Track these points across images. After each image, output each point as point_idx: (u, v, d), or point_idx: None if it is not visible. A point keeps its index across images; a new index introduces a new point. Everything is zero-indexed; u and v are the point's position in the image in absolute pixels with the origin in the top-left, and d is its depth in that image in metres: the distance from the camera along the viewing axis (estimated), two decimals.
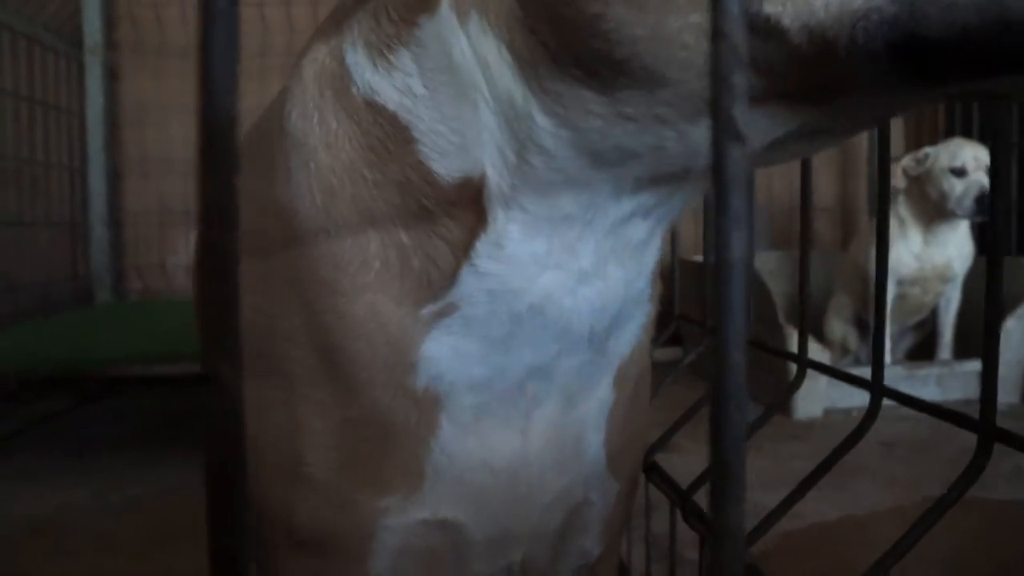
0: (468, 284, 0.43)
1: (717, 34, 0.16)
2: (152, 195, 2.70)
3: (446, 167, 0.41)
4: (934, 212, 2.30)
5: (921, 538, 0.45)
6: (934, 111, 3.04)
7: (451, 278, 0.43)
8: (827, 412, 2.07)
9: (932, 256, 2.33)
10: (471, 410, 0.46)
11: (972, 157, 2.25)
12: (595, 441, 0.52)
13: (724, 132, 0.16)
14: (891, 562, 0.45)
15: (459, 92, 0.40)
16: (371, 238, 0.43)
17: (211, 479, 0.17)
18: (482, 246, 0.42)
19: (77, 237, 2.60)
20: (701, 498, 0.73)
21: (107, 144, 2.63)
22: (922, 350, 2.51)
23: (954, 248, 2.34)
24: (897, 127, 3.20)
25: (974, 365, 2.17)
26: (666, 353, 2.53)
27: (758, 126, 0.36)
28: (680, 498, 0.69)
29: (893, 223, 2.35)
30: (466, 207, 0.42)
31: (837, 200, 3.18)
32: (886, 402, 0.56)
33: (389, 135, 0.42)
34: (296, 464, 0.47)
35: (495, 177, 0.41)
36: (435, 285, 0.43)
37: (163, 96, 2.65)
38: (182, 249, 2.72)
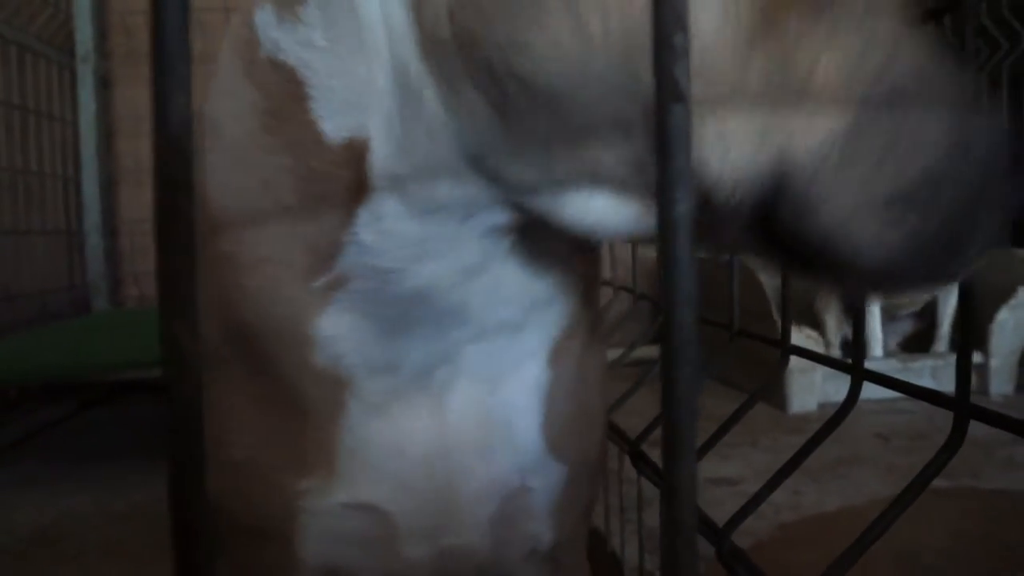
0: (352, 256, 0.42)
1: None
2: (147, 203, 2.69)
3: (335, 125, 0.40)
4: None
5: (900, 515, 0.46)
6: None
7: (337, 247, 0.42)
8: (822, 406, 2.07)
9: None
10: (379, 393, 0.46)
11: None
12: (529, 425, 0.51)
13: (666, 91, 0.16)
14: (871, 539, 0.45)
15: (358, 47, 0.39)
16: (267, 207, 0.43)
17: (174, 448, 0.17)
18: (363, 215, 0.41)
19: (73, 246, 2.60)
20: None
21: (100, 152, 2.63)
22: (919, 342, 2.51)
23: None
24: None
25: None
26: (653, 350, 2.53)
27: (627, 215, 0.36)
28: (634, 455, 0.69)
29: None
30: (351, 171, 0.40)
31: None
32: (882, 394, 0.56)
33: (287, 93, 0.41)
34: (220, 446, 0.47)
35: (379, 145, 0.40)
36: (323, 254, 0.42)
37: None
38: None
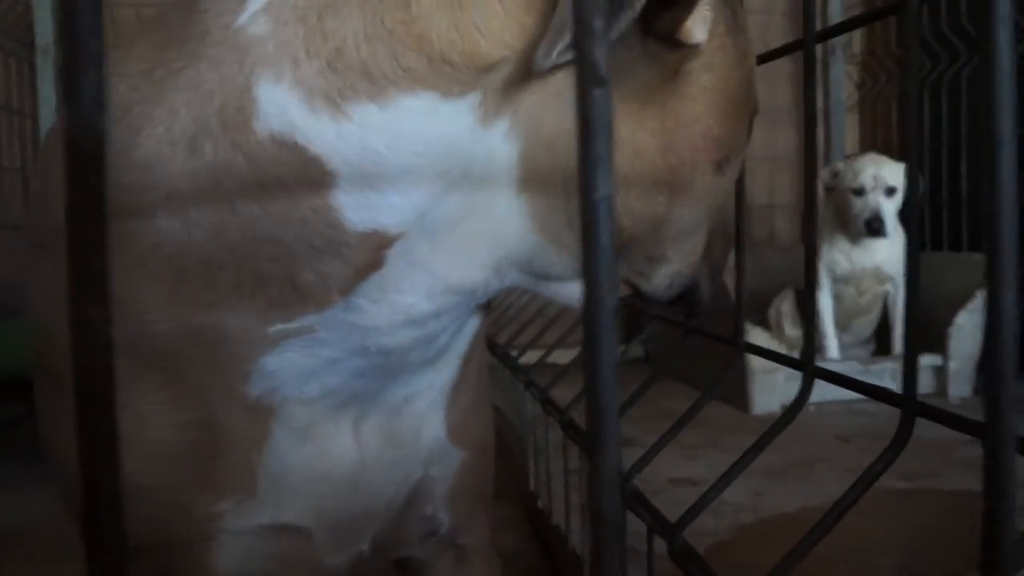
0: (335, 316, 0.44)
1: None
2: None
3: (363, 218, 0.42)
4: (845, 225, 2.37)
5: (846, 512, 0.46)
6: (888, 110, 3.09)
7: (317, 307, 0.44)
8: (784, 407, 2.09)
9: (861, 259, 2.38)
10: (302, 420, 0.48)
11: (872, 176, 2.31)
12: (434, 423, 0.55)
13: (587, 76, 0.16)
14: (817, 536, 0.46)
15: (428, 164, 0.42)
16: (227, 266, 0.43)
17: (83, 436, 0.17)
18: (367, 287, 0.44)
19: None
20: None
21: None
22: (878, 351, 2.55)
23: (884, 251, 2.38)
24: (852, 123, 3.25)
25: (928, 360, 2.21)
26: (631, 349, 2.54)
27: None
28: (621, 480, 0.70)
29: (824, 226, 2.42)
30: (364, 253, 0.43)
31: (797, 197, 3.22)
32: (843, 396, 0.57)
33: (295, 175, 0.42)
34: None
35: (415, 239, 0.43)
36: (292, 309, 0.44)
37: None
38: None
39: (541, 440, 1.25)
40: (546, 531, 1.23)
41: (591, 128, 0.16)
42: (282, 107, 0.41)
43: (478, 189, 0.43)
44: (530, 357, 1.40)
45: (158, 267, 0.43)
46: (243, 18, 0.42)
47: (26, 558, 1.31)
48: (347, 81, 0.41)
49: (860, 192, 2.31)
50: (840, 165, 2.41)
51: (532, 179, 0.44)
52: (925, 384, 2.23)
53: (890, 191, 2.30)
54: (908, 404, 0.45)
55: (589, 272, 0.16)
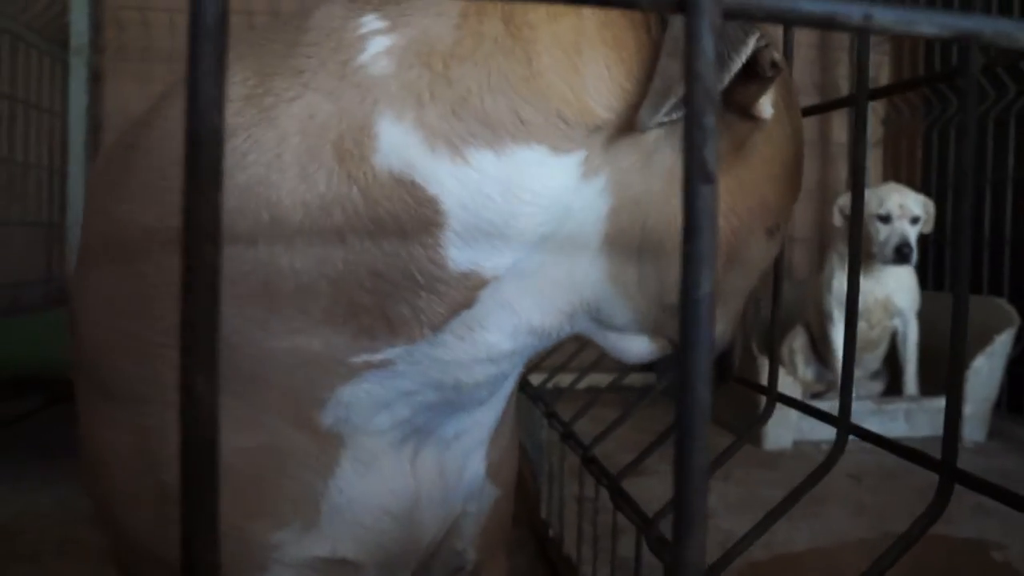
0: (420, 350, 0.46)
1: (692, 76, 0.17)
2: None
3: (466, 258, 0.44)
4: (864, 253, 2.35)
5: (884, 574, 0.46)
6: (911, 147, 3.08)
7: (407, 341, 0.45)
8: (796, 443, 2.08)
9: (872, 289, 2.38)
10: (369, 453, 0.49)
11: (898, 205, 2.31)
12: (476, 460, 0.57)
13: (695, 171, 0.16)
14: None
15: (533, 213, 0.44)
16: (323, 295, 0.44)
17: (185, 490, 0.17)
18: (456, 324, 0.46)
19: (53, 239, 2.58)
20: (668, 524, 0.74)
21: (88, 146, 2.61)
22: (890, 386, 2.53)
23: (892, 283, 2.38)
24: (877, 159, 3.24)
25: (941, 402, 2.19)
26: (640, 378, 2.54)
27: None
28: (644, 525, 0.69)
29: (835, 258, 2.41)
30: (459, 292, 0.45)
31: (813, 229, 3.21)
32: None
33: (408, 212, 0.43)
34: (172, 497, 0.46)
35: (507, 282, 0.45)
36: (380, 340, 0.45)
37: (147, 101, 2.62)
38: None
39: (556, 467, 1.25)
40: (557, 560, 1.22)
41: (696, 225, 0.16)
42: (403, 145, 0.43)
43: (569, 239, 0.45)
44: (534, 379, 1.40)
45: (250, 291, 0.44)
46: (364, 57, 0.44)
47: (27, 558, 1.31)
48: (469, 128, 0.43)
49: (886, 219, 2.30)
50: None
51: (616, 233, 0.46)
52: (938, 425, 2.19)
53: (914, 220, 2.30)
54: (948, 471, 0.45)
55: (686, 368, 0.16)
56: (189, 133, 0.16)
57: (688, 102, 0.16)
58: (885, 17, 0.19)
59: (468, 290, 0.45)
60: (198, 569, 0.15)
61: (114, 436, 0.49)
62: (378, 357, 0.45)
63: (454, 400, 0.49)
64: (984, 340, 2.20)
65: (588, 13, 0.44)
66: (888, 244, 2.28)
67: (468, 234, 0.44)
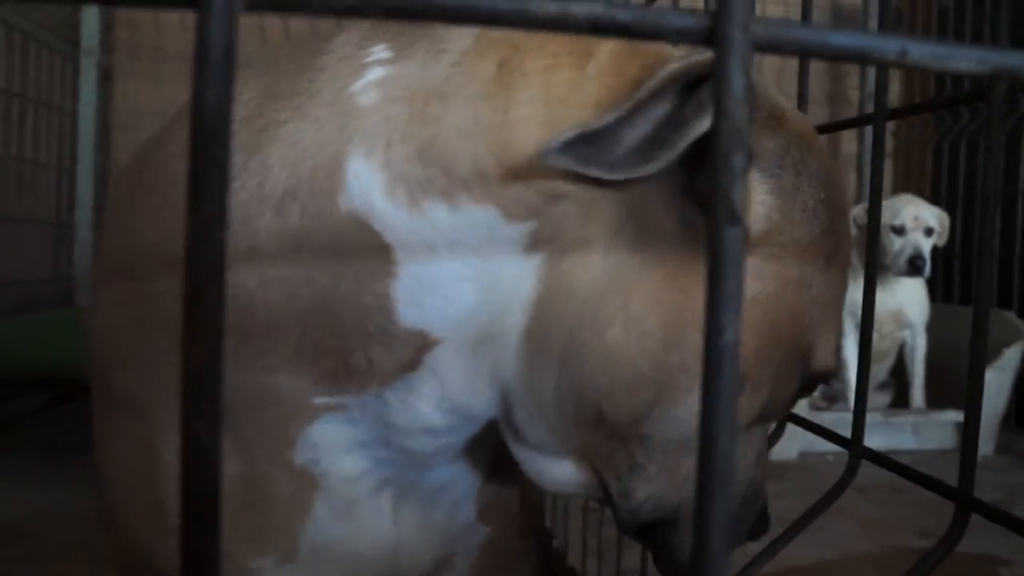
0: (368, 403, 0.44)
1: (721, 114, 0.16)
2: None
3: (411, 316, 0.42)
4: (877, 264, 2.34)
5: None
6: (922, 160, 3.07)
7: (358, 390, 0.44)
8: (802, 455, 2.07)
9: (884, 301, 2.37)
10: (344, 498, 0.48)
11: (912, 216, 2.31)
12: (466, 507, 0.55)
13: (722, 212, 0.15)
14: None
15: (478, 285, 0.41)
16: (293, 332, 0.43)
17: (184, 530, 0.16)
18: (398, 386, 0.44)
19: (61, 238, 2.58)
20: None
21: (98, 146, 2.62)
22: (897, 398, 2.52)
23: (903, 294, 2.38)
24: (887, 171, 3.23)
25: (949, 415, 2.18)
26: None
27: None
28: None
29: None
30: (407, 351, 0.43)
31: None
32: None
33: (364, 258, 0.42)
34: (168, 511, 0.47)
35: (443, 352, 0.43)
36: (338, 384, 0.44)
37: (157, 101, 2.64)
38: None
39: None
40: (561, 571, 1.21)
41: (722, 267, 0.15)
42: (367, 187, 0.41)
43: (500, 316, 0.42)
44: None
45: (229, 326, 0.43)
46: (357, 85, 0.42)
47: (32, 559, 1.31)
48: (429, 174, 0.40)
49: (900, 231, 2.30)
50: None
51: (538, 327, 0.42)
52: (946, 439, 2.20)
53: (928, 231, 2.29)
54: (964, 501, 0.44)
55: (707, 419, 0.16)
56: (192, 173, 0.15)
57: (715, 141, 0.16)
58: (920, 52, 0.18)
59: (415, 350, 0.43)
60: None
61: (116, 441, 0.49)
62: (334, 400, 0.44)
63: (411, 462, 0.48)
64: (993, 354, 2.19)
65: (594, 74, 0.40)
66: (902, 256, 2.28)
67: (417, 289, 0.41)
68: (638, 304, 0.41)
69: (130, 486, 0.48)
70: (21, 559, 1.31)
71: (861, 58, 0.18)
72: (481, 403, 0.45)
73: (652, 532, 0.47)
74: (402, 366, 0.43)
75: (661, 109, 0.37)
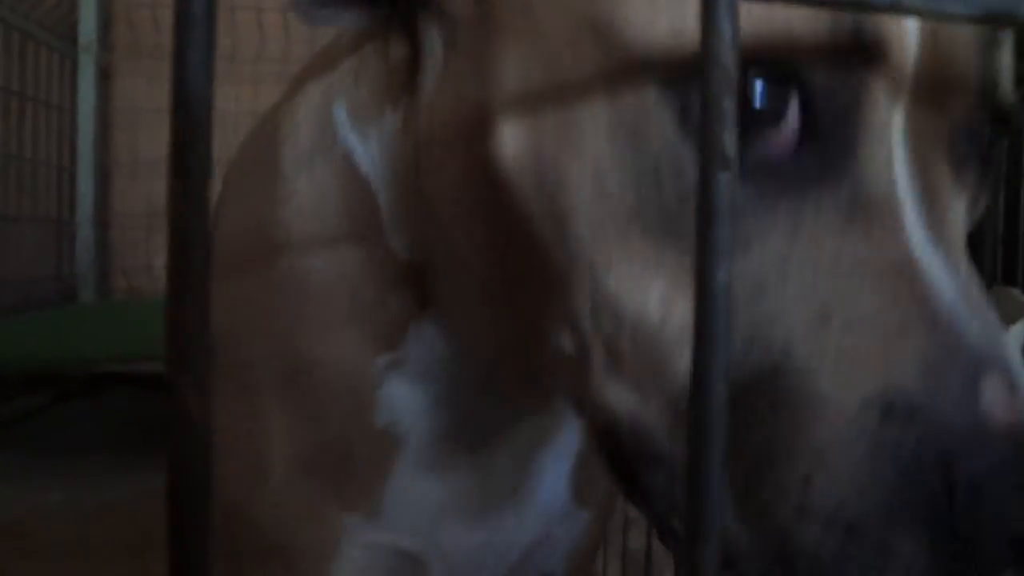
0: (415, 346, 0.45)
1: (710, 60, 0.16)
2: (140, 197, 2.68)
3: (401, 245, 0.43)
4: None
5: None
6: None
7: (401, 337, 0.45)
8: None
9: None
10: (428, 456, 0.48)
11: None
12: (560, 483, 0.54)
13: (711, 157, 0.15)
14: None
15: (405, 187, 0.42)
16: (341, 288, 0.45)
17: (173, 495, 0.16)
18: (426, 319, 0.44)
19: (63, 235, 2.58)
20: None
21: (97, 143, 2.62)
22: None
23: None
24: None
25: None
26: None
27: None
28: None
29: None
30: (416, 286, 0.44)
31: None
32: None
33: (360, 198, 0.44)
34: (264, 473, 0.48)
35: (435, 277, 0.43)
36: (390, 339, 0.45)
37: (156, 98, 2.63)
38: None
39: None
40: None
41: (715, 214, 0.15)
42: (345, 129, 0.44)
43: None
44: None
45: (290, 294, 0.46)
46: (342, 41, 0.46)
47: (23, 554, 1.31)
48: (363, 96, 0.43)
49: None
50: None
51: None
52: None
53: None
54: None
55: (699, 365, 0.15)
56: (176, 129, 0.15)
57: (706, 84, 0.15)
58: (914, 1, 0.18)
59: (419, 282, 0.44)
60: (189, 566, 0.15)
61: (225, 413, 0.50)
62: (393, 357, 0.45)
63: (493, 406, 0.48)
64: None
65: None
66: None
67: (391, 218, 0.43)
68: (434, 119, 0.37)
69: (232, 451, 0.49)
70: (20, 556, 1.31)
71: (857, 5, 0.18)
72: (481, 328, 0.44)
73: (632, 466, 0.31)
74: (422, 300, 0.44)
75: None
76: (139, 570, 1.24)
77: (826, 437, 0.25)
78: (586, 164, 0.28)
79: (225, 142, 0.38)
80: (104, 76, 2.65)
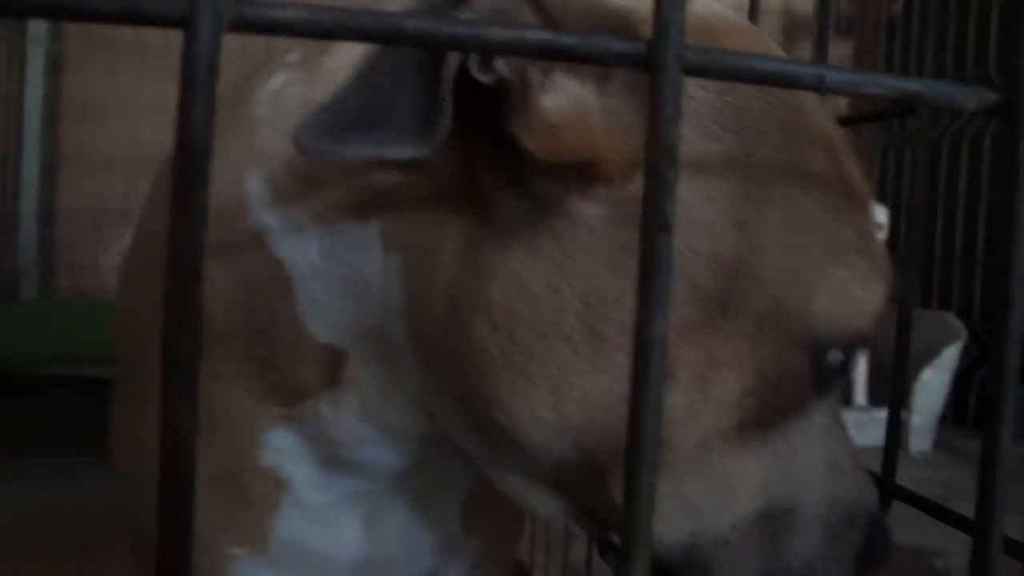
0: (308, 415, 0.44)
1: (654, 134, 0.18)
2: (88, 192, 2.64)
3: (318, 331, 0.42)
4: None
5: None
6: (870, 164, 3.15)
7: (297, 402, 0.44)
8: None
9: None
10: (313, 504, 0.48)
11: None
12: (450, 516, 0.54)
13: (653, 220, 0.17)
14: None
15: (353, 293, 0.40)
16: (240, 347, 0.44)
17: (162, 515, 0.18)
18: (329, 398, 0.43)
19: (5, 228, 2.53)
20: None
21: (44, 136, 2.57)
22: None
23: None
24: None
25: None
26: None
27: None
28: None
29: None
30: (326, 365, 0.42)
31: None
32: None
33: (270, 277, 0.42)
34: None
35: (355, 365, 0.42)
36: (284, 396, 0.44)
37: (109, 92, 2.60)
38: (117, 249, 2.66)
39: None
40: None
41: (653, 271, 0.17)
42: (259, 204, 0.41)
43: (386, 324, 0.40)
44: None
45: (208, 333, 0.45)
46: (257, 95, 0.43)
47: (24, 556, 1.29)
48: (296, 186, 0.40)
49: None
50: None
51: (416, 332, 0.38)
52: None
53: (879, 227, 2.36)
54: (887, 487, 0.47)
55: (635, 406, 0.17)
56: (178, 183, 0.17)
57: (648, 157, 0.18)
58: (836, 79, 0.20)
59: (331, 365, 0.42)
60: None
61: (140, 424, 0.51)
62: (284, 412, 0.45)
63: (375, 474, 0.47)
64: (933, 353, 2.26)
65: None
66: None
67: (311, 306, 0.41)
68: (497, 291, 0.35)
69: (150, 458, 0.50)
70: (23, 555, 1.29)
71: (785, 83, 0.20)
72: (406, 418, 0.43)
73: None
74: (325, 380, 0.43)
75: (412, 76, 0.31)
76: (89, 570, 1.22)
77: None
78: None
79: None
80: (55, 67, 2.61)
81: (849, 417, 2.23)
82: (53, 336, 1.88)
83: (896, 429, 0.48)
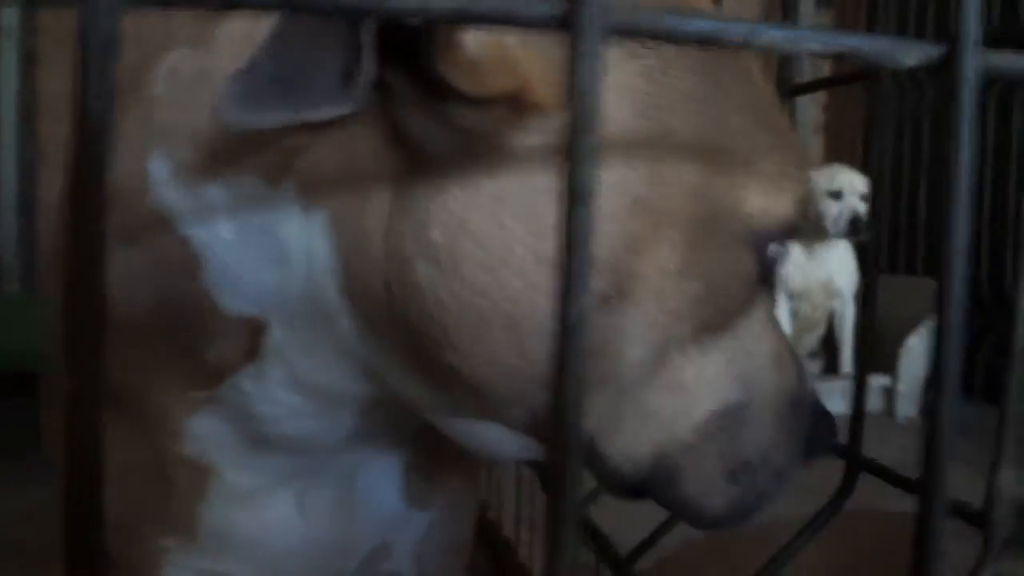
0: (230, 393, 0.43)
1: (577, 96, 0.17)
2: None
3: (232, 303, 0.40)
4: (812, 231, 2.47)
5: (785, 565, 0.48)
6: (853, 132, 3.15)
7: (217, 382, 0.43)
8: None
9: (815, 270, 2.49)
10: (241, 487, 0.47)
11: (848, 182, 2.43)
12: (390, 494, 0.53)
13: (574, 194, 0.17)
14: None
15: (271, 259, 0.39)
16: (154, 333, 0.43)
17: (68, 496, 0.17)
18: (250, 372, 0.42)
19: None
20: (598, 512, 0.75)
21: (20, 131, 2.55)
22: (827, 365, 2.61)
23: (835, 263, 2.52)
24: (819, 143, 3.30)
25: (877, 380, 2.26)
26: None
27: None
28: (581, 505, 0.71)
29: None
30: (244, 339, 0.41)
31: None
32: None
33: (175, 256, 0.40)
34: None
35: (278, 334, 0.41)
36: (203, 378, 0.43)
37: None
38: None
39: None
40: (496, 542, 1.24)
41: (575, 242, 0.17)
42: (160, 180, 0.40)
43: (312, 286, 0.39)
44: None
45: (114, 322, 0.44)
46: (154, 73, 0.41)
47: (26, 562, 1.28)
48: (200, 155, 0.39)
49: (838, 195, 2.41)
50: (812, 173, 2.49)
51: (352, 288, 0.38)
52: (874, 403, 2.28)
53: (863, 197, 2.40)
54: (853, 461, 0.46)
55: (559, 397, 0.17)
56: (80, 157, 0.16)
57: (572, 135, 0.17)
58: (768, 35, 0.20)
59: (251, 337, 0.41)
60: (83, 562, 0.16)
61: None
62: (204, 395, 0.44)
63: (302, 451, 0.46)
64: (917, 320, 2.27)
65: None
66: (841, 218, 2.40)
67: (222, 279, 0.40)
68: (438, 232, 0.35)
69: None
70: (21, 554, 1.28)
71: (712, 41, 0.20)
72: (342, 382, 0.42)
73: (642, 490, 0.41)
74: (246, 354, 0.42)
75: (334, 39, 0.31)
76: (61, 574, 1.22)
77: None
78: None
79: None
80: (28, 61, 2.58)
81: (836, 385, 2.24)
82: (35, 333, 1.86)
83: (860, 405, 0.48)
